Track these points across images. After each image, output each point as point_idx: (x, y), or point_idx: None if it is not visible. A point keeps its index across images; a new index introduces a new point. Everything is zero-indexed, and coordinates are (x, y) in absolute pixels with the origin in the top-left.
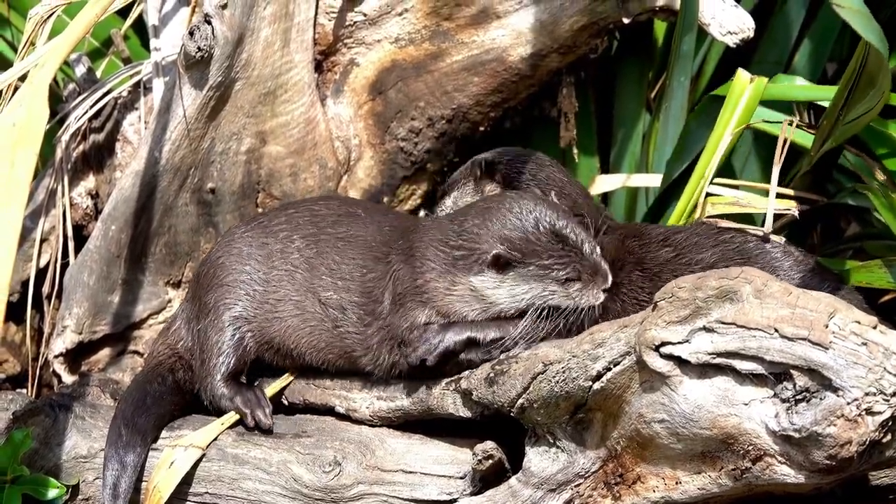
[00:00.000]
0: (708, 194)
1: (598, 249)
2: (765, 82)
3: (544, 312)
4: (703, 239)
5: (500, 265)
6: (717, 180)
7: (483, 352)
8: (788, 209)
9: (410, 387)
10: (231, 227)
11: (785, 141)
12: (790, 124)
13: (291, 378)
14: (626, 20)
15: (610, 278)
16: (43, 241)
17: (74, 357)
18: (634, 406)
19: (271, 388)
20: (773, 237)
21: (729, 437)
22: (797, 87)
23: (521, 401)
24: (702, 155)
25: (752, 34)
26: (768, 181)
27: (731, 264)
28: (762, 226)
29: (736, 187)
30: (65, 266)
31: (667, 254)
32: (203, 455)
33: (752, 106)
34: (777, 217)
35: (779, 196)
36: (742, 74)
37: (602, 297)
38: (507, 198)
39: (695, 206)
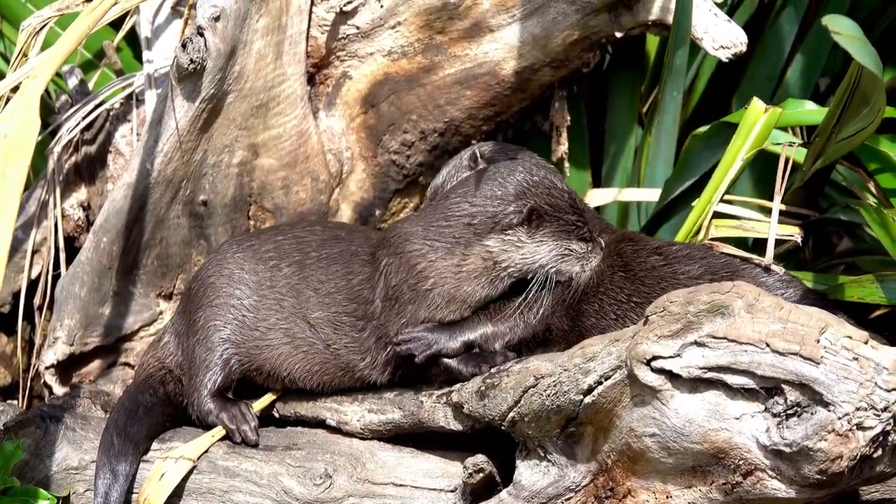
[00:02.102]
0: (715, 214)
1: None
2: (779, 112)
3: (541, 286)
4: (694, 251)
5: (534, 219)
6: (725, 196)
7: (473, 364)
8: (791, 235)
9: (402, 400)
10: (223, 245)
11: (785, 167)
12: (791, 145)
13: (278, 394)
14: (618, 34)
15: (602, 245)
16: (34, 252)
17: (65, 369)
18: (625, 420)
19: (259, 403)
20: (774, 267)
21: (720, 451)
22: (810, 111)
23: (512, 414)
24: (712, 178)
25: (744, 49)
26: (763, 196)
27: (717, 278)
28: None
29: (731, 202)
30: (56, 278)
31: (655, 262)
32: (194, 467)
33: (766, 134)
34: (780, 243)
35: (781, 214)
36: (756, 103)
37: (595, 263)
38: (514, 161)
39: (699, 229)
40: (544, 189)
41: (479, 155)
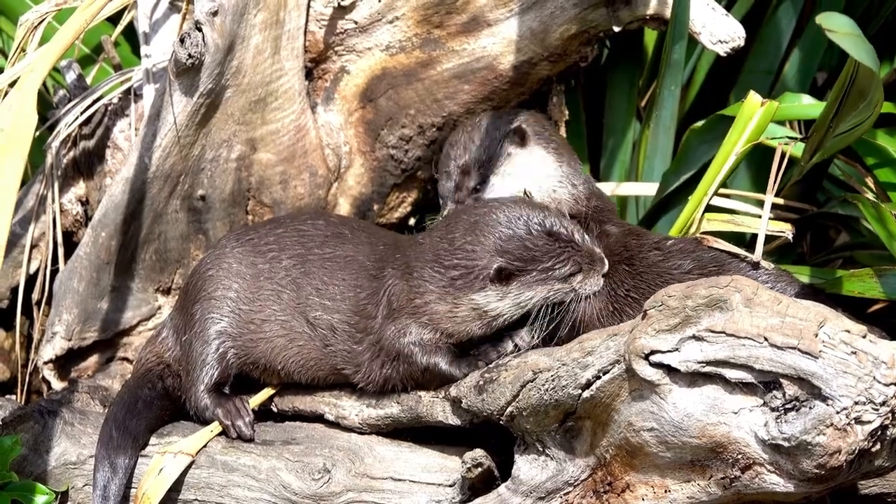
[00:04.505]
0: (708, 207)
1: (587, 236)
2: (776, 106)
3: (547, 309)
4: (686, 246)
5: (503, 277)
6: (720, 191)
7: (466, 365)
8: (783, 231)
9: (400, 394)
10: (222, 239)
11: (780, 163)
12: (787, 143)
13: (276, 389)
14: (616, 28)
15: (606, 262)
16: (33, 247)
17: (64, 363)
18: (623, 414)
19: (256, 398)
20: (763, 263)
21: (718, 445)
22: (807, 106)
23: (510, 409)
24: (706, 173)
25: (742, 43)
26: (761, 191)
27: (705, 272)
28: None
29: (729, 197)
30: (54, 272)
31: (655, 257)
32: (192, 462)
33: (762, 128)
34: (771, 238)
35: (773, 206)
36: (753, 97)
37: (602, 282)
38: (491, 209)
39: (692, 222)
40: (516, 243)
41: (527, 133)
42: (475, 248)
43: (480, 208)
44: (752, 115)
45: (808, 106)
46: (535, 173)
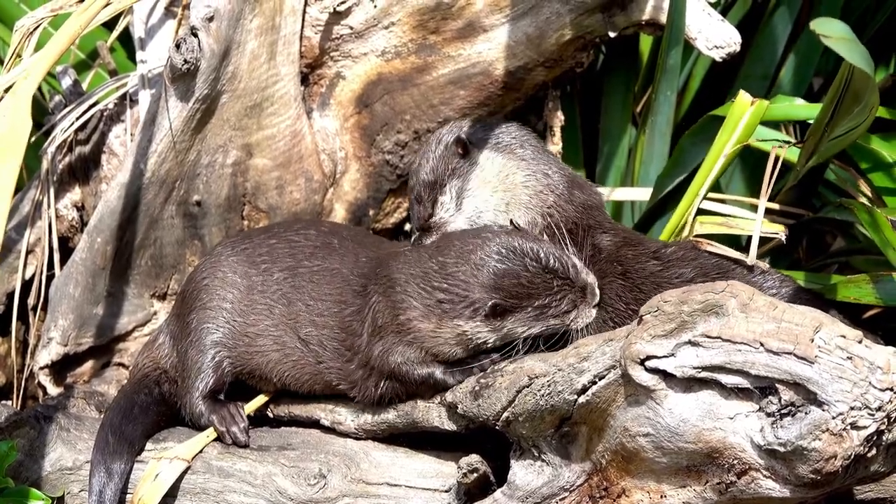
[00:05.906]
0: (700, 211)
1: (581, 266)
2: (766, 105)
3: (535, 340)
4: (687, 253)
5: (497, 314)
6: (710, 195)
7: (460, 374)
8: (776, 233)
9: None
10: (217, 247)
11: (774, 166)
12: (781, 147)
13: (271, 395)
14: (612, 34)
15: (598, 294)
16: (28, 252)
17: (60, 369)
18: (619, 420)
19: (252, 404)
20: (759, 263)
21: (714, 451)
22: (798, 106)
23: (506, 414)
24: (697, 174)
25: (738, 48)
26: (754, 196)
27: (709, 279)
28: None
29: (723, 202)
30: (50, 278)
31: (653, 266)
32: (188, 467)
33: (752, 127)
34: (766, 241)
35: (768, 211)
36: (743, 96)
37: (594, 313)
38: (486, 240)
39: (684, 225)
40: (513, 280)
41: (468, 141)
42: (468, 280)
43: (475, 237)
44: (742, 115)
45: (799, 107)
46: (489, 178)
